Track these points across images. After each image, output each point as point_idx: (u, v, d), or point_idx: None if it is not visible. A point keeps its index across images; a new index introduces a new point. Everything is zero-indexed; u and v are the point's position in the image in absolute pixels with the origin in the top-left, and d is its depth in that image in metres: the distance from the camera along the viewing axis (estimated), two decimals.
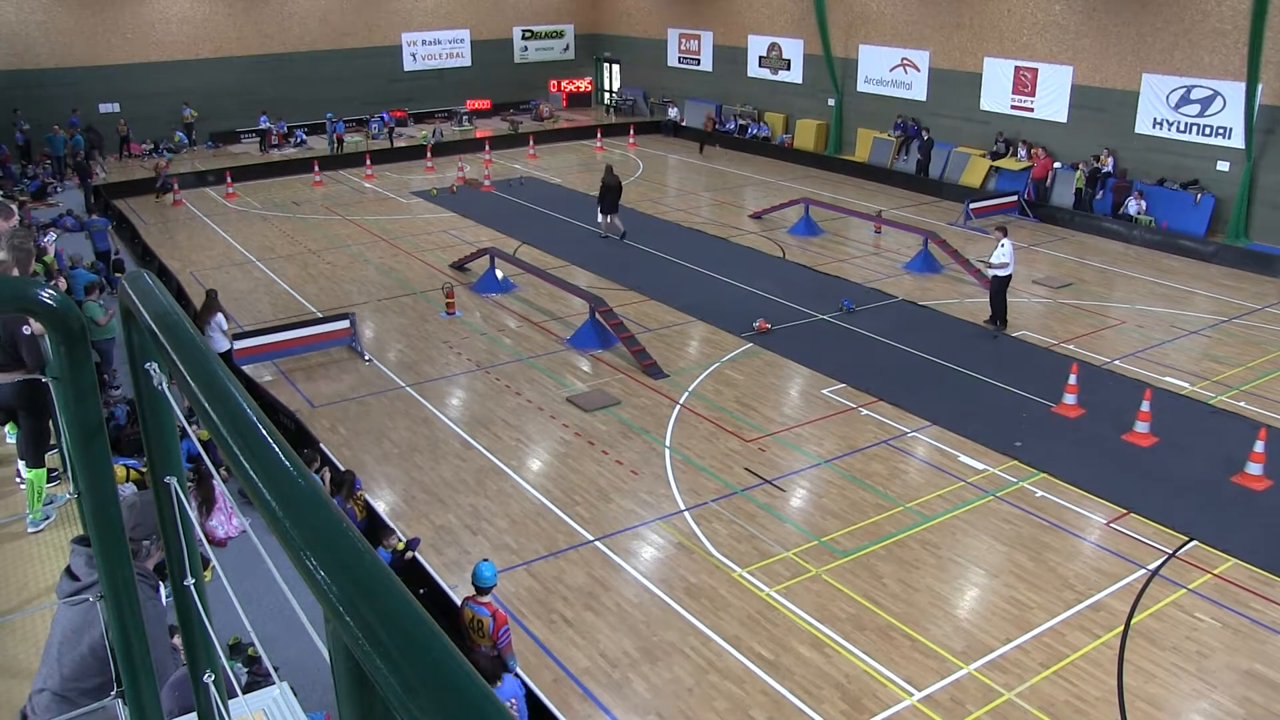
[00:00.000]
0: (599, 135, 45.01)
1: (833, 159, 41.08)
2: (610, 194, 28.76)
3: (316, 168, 38.68)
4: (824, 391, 19.31)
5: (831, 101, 42.14)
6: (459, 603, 11.46)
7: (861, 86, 41.25)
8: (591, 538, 14.38)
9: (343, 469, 14.60)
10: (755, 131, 44.28)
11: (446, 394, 19.10)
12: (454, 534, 14.39)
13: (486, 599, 10.53)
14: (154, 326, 2.57)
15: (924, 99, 39.30)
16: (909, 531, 14.87)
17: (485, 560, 10.77)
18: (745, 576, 13.57)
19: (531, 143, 43.41)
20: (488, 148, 41.67)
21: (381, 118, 45.46)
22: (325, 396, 19.07)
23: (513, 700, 9.90)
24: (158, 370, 2.87)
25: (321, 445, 16.26)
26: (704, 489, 15.70)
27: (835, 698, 11.51)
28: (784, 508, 15.35)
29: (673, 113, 48.14)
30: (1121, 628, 13.05)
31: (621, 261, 26.95)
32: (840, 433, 17.70)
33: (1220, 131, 31.55)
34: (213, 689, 3.42)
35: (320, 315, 22.34)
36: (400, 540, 13.28)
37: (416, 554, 13.19)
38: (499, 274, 24.88)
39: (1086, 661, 12.37)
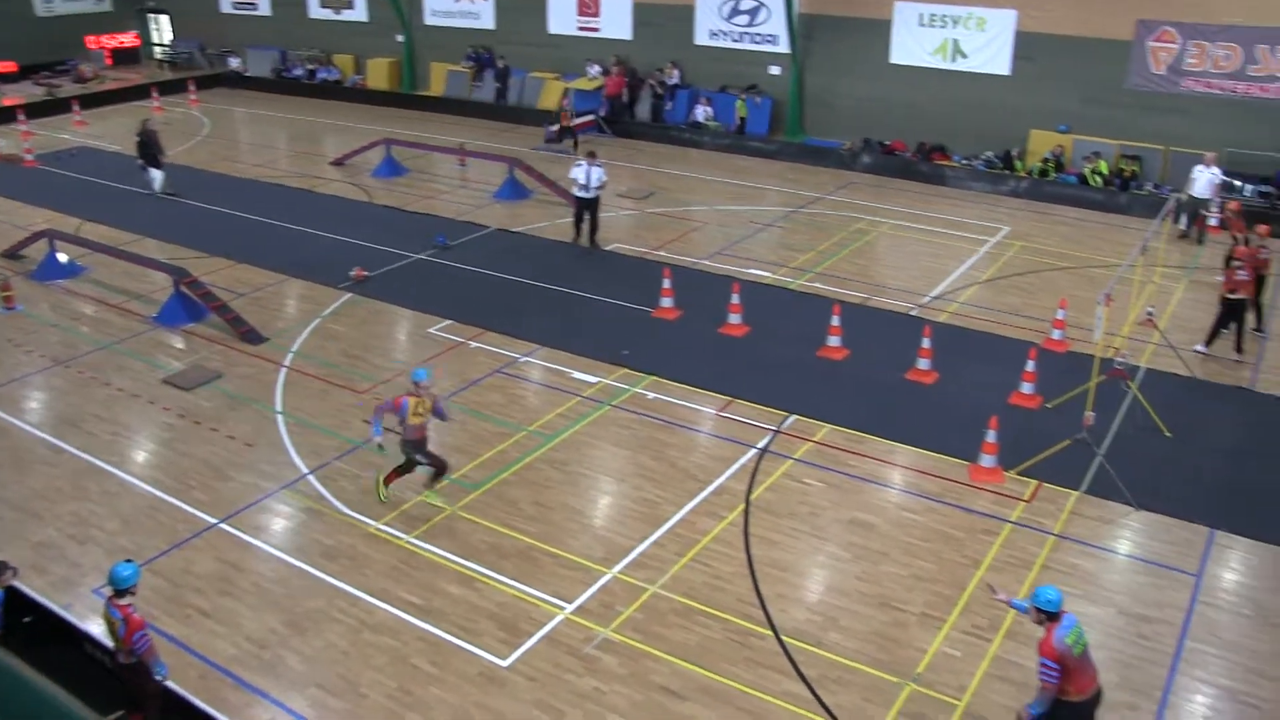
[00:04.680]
0: (155, 94, 40.74)
1: (409, 96, 40.55)
2: (148, 146, 27.05)
3: None
4: (431, 330, 19.25)
5: (400, 38, 41.40)
6: (80, 624, 10.67)
7: (429, 19, 40.79)
8: (215, 520, 13.70)
9: None
10: (325, 76, 42.84)
11: (22, 398, 17.25)
12: (58, 548, 13.17)
13: (124, 601, 9.68)
14: None
15: (493, 27, 39.45)
16: (535, 454, 15.18)
17: (125, 561, 9.90)
18: (382, 528, 13.43)
19: (77, 108, 38.35)
20: (23, 117, 35.97)
21: None
22: None
23: None
24: None
25: None
26: (325, 448, 15.33)
27: (492, 628, 11.67)
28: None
29: (234, 63, 45.51)
30: (743, 506, 13.99)
31: (201, 228, 25.31)
32: (453, 369, 17.74)
33: (769, 39, 33.83)
34: None
35: None
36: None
37: (14, 582, 11.74)
38: (62, 257, 22.39)
39: (717, 543, 13.21)
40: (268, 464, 15.00)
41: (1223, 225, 23.48)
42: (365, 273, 21.64)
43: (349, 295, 20.88)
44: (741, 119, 33.54)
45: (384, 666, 11.12)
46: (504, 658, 11.22)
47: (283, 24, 45.14)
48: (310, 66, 43.45)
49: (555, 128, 32.16)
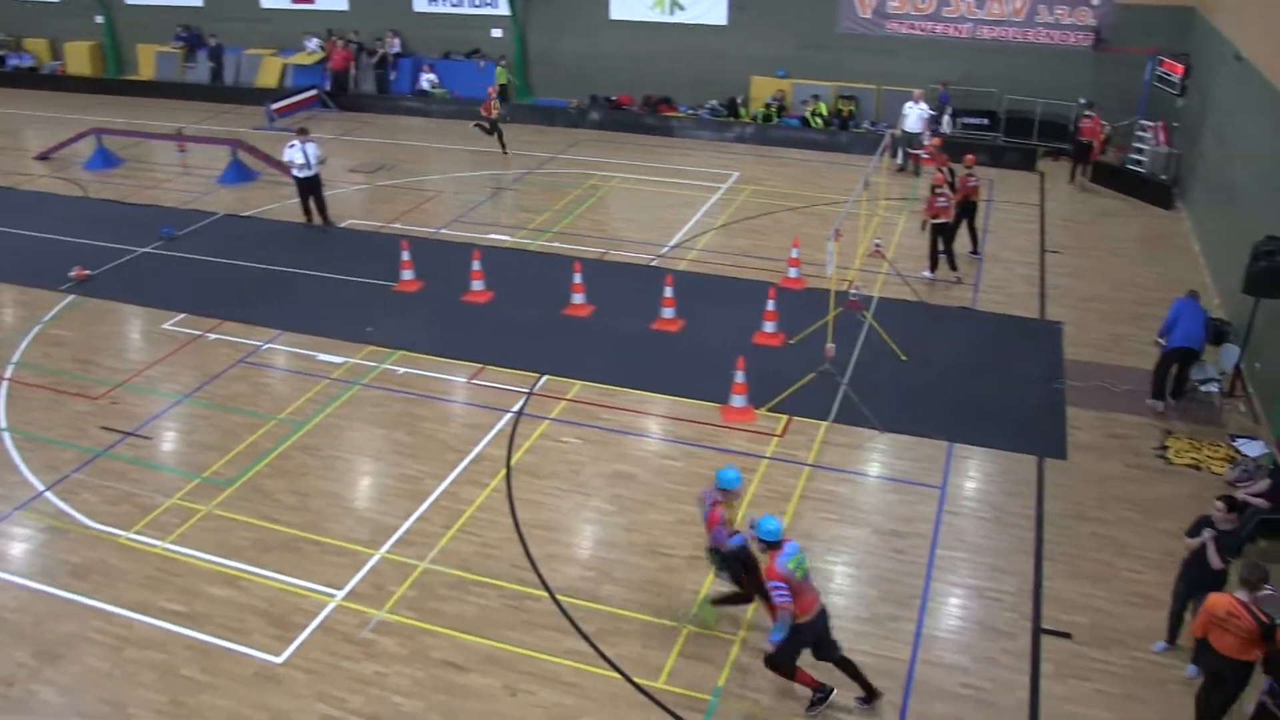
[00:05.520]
0: None
1: (117, 81, 38.26)
2: None
3: None
4: (165, 326, 18.41)
5: (100, 18, 39.03)
6: None
7: None
8: None
9: None
10: (18, 62, 39.86)
11: None
12: None
13: None
14: None
15: (202, 4, 37.70)
16: (288, 442, 14.80)
17: None
18: (133, 538, 12.83)
19: None
20: None
21: None
22: None
23: None
24: None
25: None
26: (62, 462, 14.48)
27: (262, 625, 11.37)
28: (155, 455, 14.61)
29: None
30: (504, 471, 14.05)
31: None
32: (193, 363, 17.05)
33: (488, 2, 33.67)
34: None
35: None
36: None
37: None
38: None
39: (483, 511, 13.24)
40: None
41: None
42: (87, 272, 20.45)
43: (71, 297, 19.70)
44: (502, 85, 32.44)
45: (152, 682, 10.67)
46: (278, 654, 10.96)
47: None
48: (1, 52, 40.30)
49: (482, 124, 28.73)
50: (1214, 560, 10.15)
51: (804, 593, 9.68)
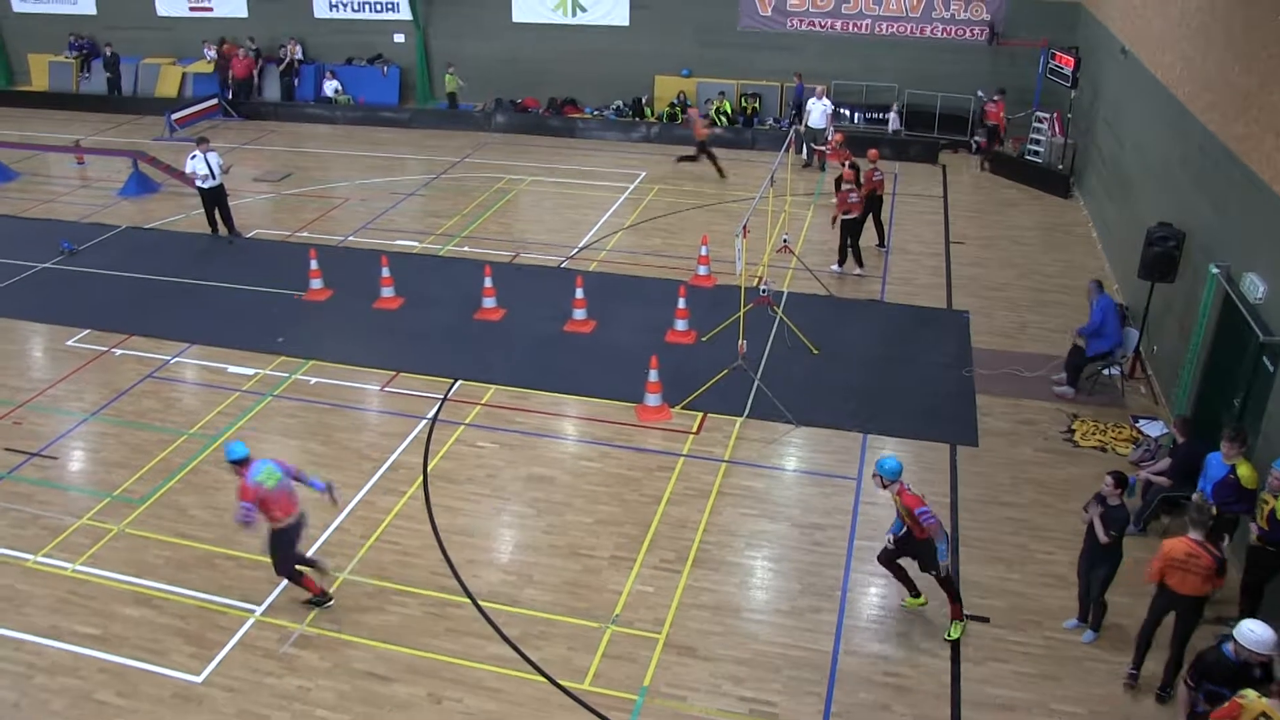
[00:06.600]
0: None
1: (7, 93, 37.20)
2: None
3: None
4: (69, 343, 18.01)
5: None
6: None
7: (19, 6, 37.72)
8: None
9: None
10: None
11: None
12: None
13: None
14: None
15: (95, 13, 36.91)
16: (201, 456, 14.58)
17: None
18: (41, 561, 12.53)
19: None
20: None
21: None
22: None
23: None
24: None
25: None
26: None
27: (179, 644, 11.18)
28: (62, 476, 14.29)
29: None
30: (421, 478, 14.01)
31: None
32: (99, 380, 16.71)
33: (390, 6, 33.49)
34: None
35: None
36: None
37: None
38: None
39: (401, 519, 13.18)
40: None
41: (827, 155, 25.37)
42: None
43: None
44: (451, 93, 32.25)
45: (64, 710, 10.42)
46: (197, 673, 10.80)
47: None
48: None
49: (689, 156, 26.41)
50: (1100, 534, 10.48)
51: (279, 500, 10.93)
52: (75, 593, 12.03)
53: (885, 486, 10.83)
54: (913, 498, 10.64)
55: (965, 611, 11.21)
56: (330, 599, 11.65)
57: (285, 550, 11.23)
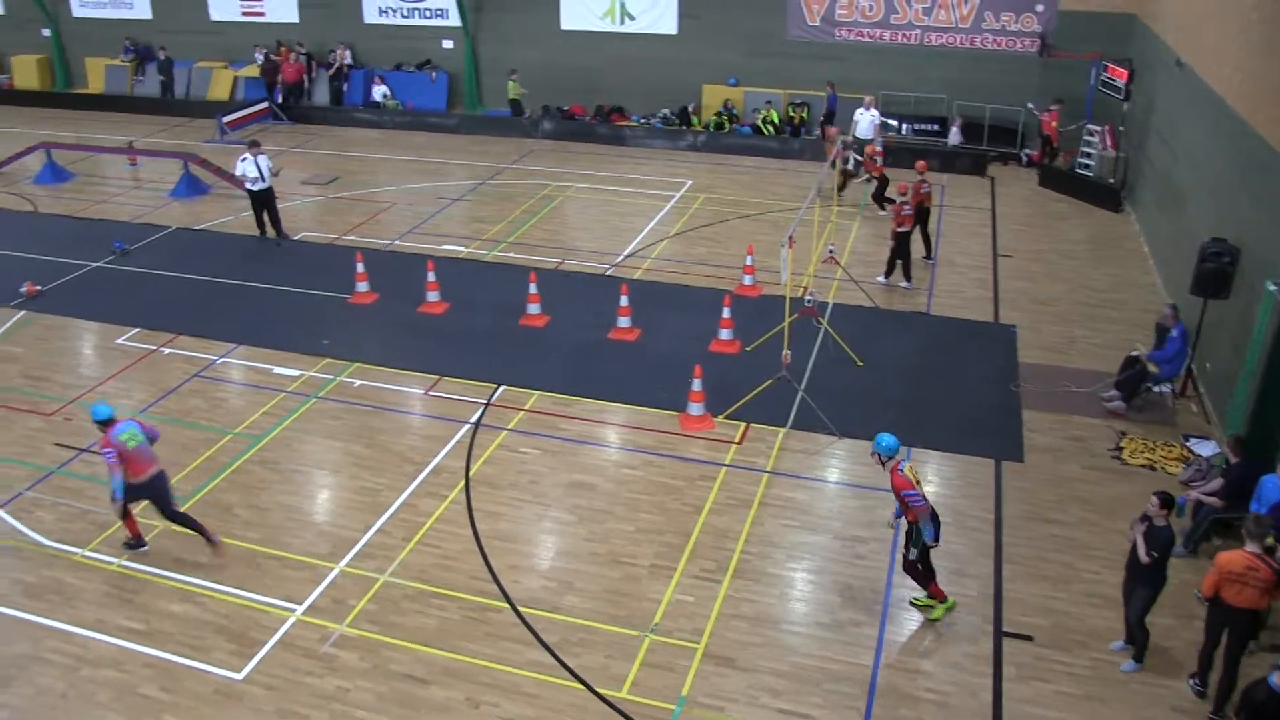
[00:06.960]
0: None
1: (65, 95, 37.87)
2: None
3: None
4: (119, 341, 18.22)
5: (47, 32, 38.63)
6: None
7: (79, 11, 38.27)
8: None
9: None
10: None
11: None
12: None
13: None
14: None
15: (150, 17, 37.38)
16: (245, 456, 14.69)
17: None
18: (89, 555, 12.69)
19: None
20: None
21: None
22: None
23: None
24: None
25: None
26: (13, 479, 14.28)
27: (221, 642, 11.26)
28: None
29: None
30: (463, 482, 14.01)
31: None
32: (148, 378, 16.89)
33: (438, 13, 33.63)
34: None
35: None
36: None
37: None
38: None
39: (442, 523, 13.19)
40: None
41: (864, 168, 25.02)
42: (38, 287, 20.21)
43: (22, 313, 19.45)
44: (514, 100, 32.14)
45: (109, 702, 10.54)
46: (238, 670, 10.87)
47: None
48: None
49: (850, 169, 25.62)
50: (1141, 554, 10.29)
51: (137, 459, 12.00)
52: (120, 588, 12.16)
53: (883, 464, 11.18)
54: (903, 479, 10.88)
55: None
56: (145, 544, 12.77)
57: (129, 498, 12.22)
